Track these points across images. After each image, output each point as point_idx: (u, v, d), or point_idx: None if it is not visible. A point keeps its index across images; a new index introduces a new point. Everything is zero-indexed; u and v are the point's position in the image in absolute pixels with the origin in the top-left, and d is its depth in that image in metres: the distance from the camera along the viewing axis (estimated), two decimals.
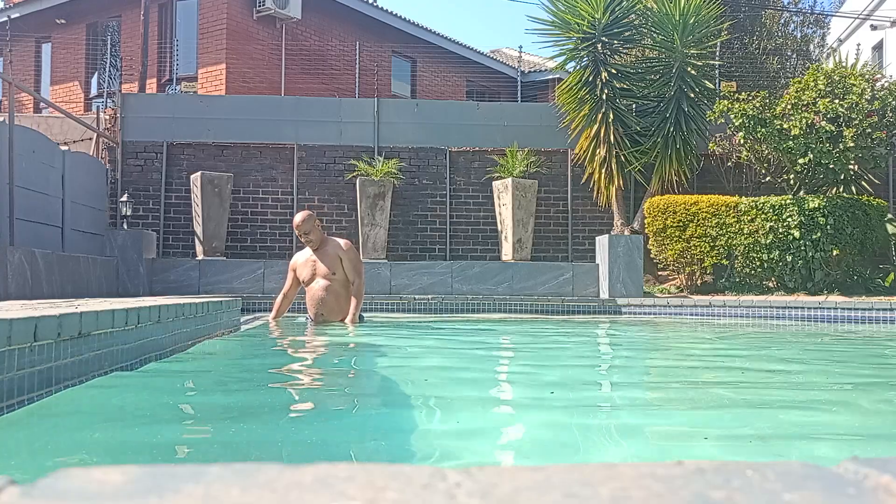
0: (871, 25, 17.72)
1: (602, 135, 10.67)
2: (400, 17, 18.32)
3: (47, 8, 17.22)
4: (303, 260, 6.11)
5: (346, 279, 5.97)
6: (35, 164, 8.16)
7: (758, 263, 9.61)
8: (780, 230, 9.41)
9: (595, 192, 11.23)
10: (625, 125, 10.79)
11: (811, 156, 9.51)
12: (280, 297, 6.25)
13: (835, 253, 9.32)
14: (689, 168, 10.95)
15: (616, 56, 11.13)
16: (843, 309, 7.83)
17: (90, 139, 11.73)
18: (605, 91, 10.61)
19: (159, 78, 16.34)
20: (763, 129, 9.63)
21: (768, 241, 9.46)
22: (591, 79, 10.77)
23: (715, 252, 9.78)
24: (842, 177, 9.71)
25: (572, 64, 11.22)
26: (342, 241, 6.11)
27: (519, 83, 19.44)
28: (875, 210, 9.67)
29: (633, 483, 0.50)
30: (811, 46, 15.98)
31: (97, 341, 2.40)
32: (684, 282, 10.26)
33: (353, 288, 5.97)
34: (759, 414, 2.26)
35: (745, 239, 9.59)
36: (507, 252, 10.60)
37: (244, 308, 6.69)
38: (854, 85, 9.62)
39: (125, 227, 10.46)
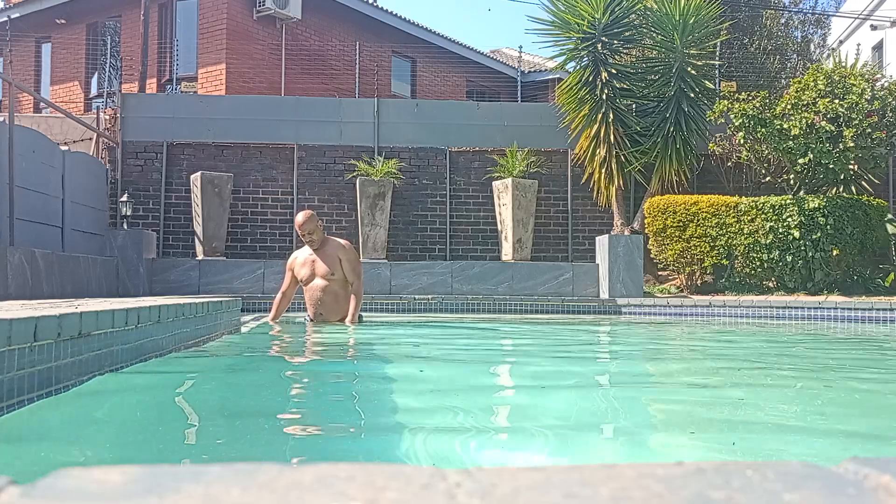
0: (871, 25, 17.71)
1: (602, 135, 10.67)
2: (400, 17, 18.31)
3: (47, 8, 17.22)
4: (301, 259, 6.05)
5: (345, 279, 5.93)
6: (35, 164, 8.16)
7: (758, 263, 9.61)
8: (780, 230, 9.40)
9: (595, 192, 11.23)
10: (625, 125, 10.79)
11: (811, 156, 9.52)
12: (279, 296, 6.19)
13: (835, 253, 9.32)
14: (689, 168, 10.96)
15: (616, 56, 11.12)
16: (843, 309, 7.83)
17: (90, 139, 11.73)
18: (605, 91, 10.61)
19: (159, 78, 16.34)
20: (763, 129, 9.63)
21: (768, 241, 9.46)
22: (591, 79, 10.77)
23: (715, 252, 9.78)
24: (842, 177, 9.71)
25: (572, 64, 11.22)
26: (342, 242, 6.08)
27: (519, 83, 19.45)
28: (875, 210, 9.67)
29: (633, 483, 0.50)
30: (811, 47, 15.99)
31: (97, 341, 2.40)
32: (684, 282, 10.26)
33: (351, 288, 5.94)
34: (758, 413, 2.26)
35: (745, 239, 9.59)
36: (507, 252, 10.60)
37: (244, 308, 6.68)
38: (854, 85, 9.62)
39: (125, 227, 10.46)
